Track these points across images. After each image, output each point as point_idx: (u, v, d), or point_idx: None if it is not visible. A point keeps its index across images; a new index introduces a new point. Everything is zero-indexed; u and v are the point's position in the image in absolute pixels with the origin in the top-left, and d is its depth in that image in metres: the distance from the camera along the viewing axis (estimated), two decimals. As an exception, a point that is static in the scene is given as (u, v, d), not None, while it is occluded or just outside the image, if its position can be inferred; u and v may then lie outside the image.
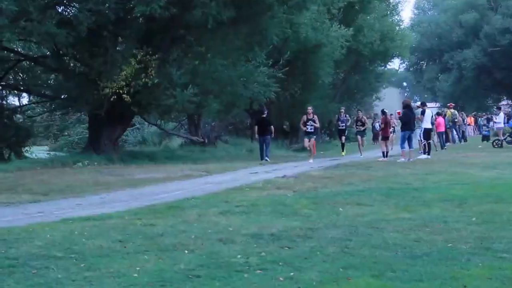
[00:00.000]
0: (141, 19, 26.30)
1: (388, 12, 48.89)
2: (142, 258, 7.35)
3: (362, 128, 29.81)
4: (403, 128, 23.23)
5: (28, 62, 29.76)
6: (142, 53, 24.47)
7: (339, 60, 38.32)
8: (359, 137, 29.82)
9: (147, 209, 11.67)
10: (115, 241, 8.36)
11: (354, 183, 15.56)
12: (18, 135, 29.00)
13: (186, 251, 7.71)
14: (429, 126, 25.52)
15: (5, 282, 6.34)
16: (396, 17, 51.29)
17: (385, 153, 25.01)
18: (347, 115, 30.78)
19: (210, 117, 37.50)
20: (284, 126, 46.02)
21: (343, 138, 30.39)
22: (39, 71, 30.65)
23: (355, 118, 31.24)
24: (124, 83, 24.13)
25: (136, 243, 8.25)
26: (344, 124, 29.64)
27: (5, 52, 27.94)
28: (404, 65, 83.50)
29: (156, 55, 24.62)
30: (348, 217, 10.23)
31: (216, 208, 11.44)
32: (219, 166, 22.58)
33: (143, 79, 24.28)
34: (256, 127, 28.27)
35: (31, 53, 30.20)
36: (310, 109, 26.02)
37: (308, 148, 26.60)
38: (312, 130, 25.91)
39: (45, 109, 34.79)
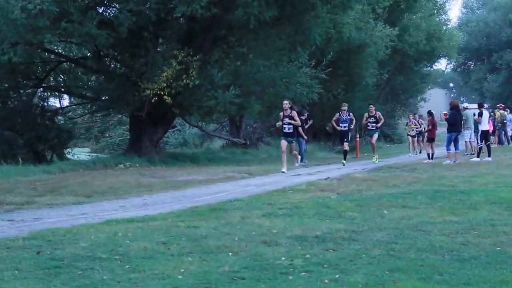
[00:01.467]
0: (182, 19, 26.59)
1: (435, 11, 48.53)
2: (186, 260, 7.46)
3: (375, 126, 25.96)
4: (449, 130, 23.05)
5: (68, 64, 30.24)
6: (183, 54, 24.69)
7: (383, 61, 38.19)
8: (369, 138, 27.08)
9: (190, 211, 11.81)
10: (159, 243, 8.49)
11: (399, 186, 15.52)
12: (60, 137, 29.53)
13: (230, 253, 7.81)
14: (486, 128, 25.28)
15: (52, 283, 6.50)
16: (443, 16, 50.96)
17: (430, 155, 24.84)
18: (350, 114, 25.04)
19: (252, 118, 37.72)
20: (327, 128, 45.93)
21: (345, 144, 24.92)
22: (79, 73, 31.15)
23: (367, 114, 26.34)
24: (165, 84, 24.38)
25: (180, 245, 8.37)
26: (346, 125, 24.67)
27: (46, 53, 28.43)
28: (451, 65, 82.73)
29: (197, 56, 24.82)
30: (393, 220, 10.24)
31: (259, 210, 11.52)
32: (261, 168, 22.67)
33: (184, 80, 24.50)
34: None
35: (71, 54, 30.70)
36: (286, 103, 20.67)
37: (292, 154, 22.02)
38: (290, 131, 20.57)
39: (86, 111, 35.25)
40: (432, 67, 55.46)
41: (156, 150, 27.38)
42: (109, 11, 26.02)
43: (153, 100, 24.63)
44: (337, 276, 6.71)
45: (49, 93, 32.57)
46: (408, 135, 31.89)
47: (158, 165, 24.50)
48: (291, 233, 9.12)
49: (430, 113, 26.47)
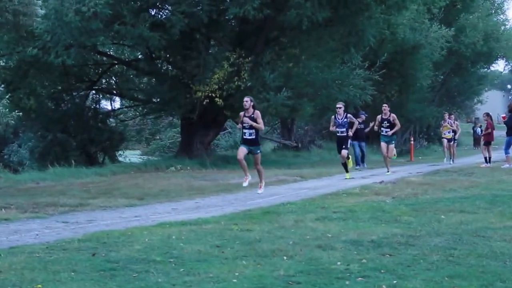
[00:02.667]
0: (234, 21, 26.71)
1: (493, 11, 47.82)
2: (241, 264, 7.47)
3: (390, 132, 21.17)
4: (508, 133, 22.67)
5: (121, 66, 30.63)
6: (235, 56, 24.81)
7: (438, 62, 37.79)
8: (383, 144, 21.29)
9: (242, 214, 11.84)
10: (213, 246, 8.53)
11: (456, 190, 15.33)
12: (112, 139, 29.94)
13: (285, 257, 7.80)
14: None
15: (107, 285, 6.57)
16: (501, 16, 50.13)
17: (487, 158, 24.45)
18: (349, 115, 20.63)
19: (304, 121, 37.65)
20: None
21: (344, 151, 19.78)
22: (131, 75, 31.52)
23: (380, 116, 21.72)
24: (216, 87, 24.55)
25: (233, 248, 8.40)
26: (344, 130, 19.94)
27: (99, 56, 28.86)
28: (509, 66, 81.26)
29: (249, 58, 24.91)
30: (451, 225, 10.11)
31: (313, 214, 11.50)
32: (313, 171, 22.63)
33: (236, 82, 24.62)
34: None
35: (123, 56, 31.09)
36: (246, 100, 15.11)
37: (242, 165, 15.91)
38: (253, 137, 15.26)
39: (138, 113, 35.65)
40: (489, 68, 54.62)
41: (207, 153, 27.54)
42: (161, 13, 26.31)
43: (204, 102, 24.81)
44: (394, 282, 6.64)
45: (101, 96, 33.03)
46: (442, 138, 28.55)
47: (209, 167, 24.65)
48: (346, 237, 9.07)
49: (487, 114, 25.94)
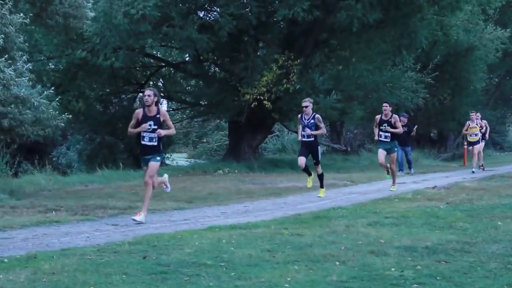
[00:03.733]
0: (282, 22, 26.71)
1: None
2: (292, 269, 7.48)
3: (389, 136, 16.95)
4: None
5: (168, 68, 30.87)
6: (283, 58, 24.83)
7: (493, 64, 37.24)
8: (380, 151, 17.18)
9: (292, 218, 11.86)
10: (264, 250, 8.56)
11: (512, 196, 15.14)
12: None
13: (337, 263, 7.79)
14: None
15: (159, 288, 6.66)
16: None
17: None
18: (317, 115, 15.49)
19: (353, 124, 37.46)
20: (432, 134, 45.21)
21: (302, 159, 15.76)
22: (179, 78, 31.74)
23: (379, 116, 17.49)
24: (265, 89, 24.58)
25: (285, 253, 8.41)
26: (310, 134, 15.40)
27: (146, 58, 29.14)
28: None
29: (298, 60, 24.91)
30: (508, 232, 9.98)
31: (365, 219, 11.45)
32: (363, 176, 22.52)
33: (285, 85, 24.63)
34: None
35: (170, 59, 31.33)
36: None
37: None
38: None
39: (185, 116, 35.86)
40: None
41: (255, 156, 27.59)
42: (209, 15, 26.44)
43: (252, 105, 24.86)
44: (451, 289, 6.60)
45: (148, 98, 33.27)
46: (468, 142, 25.01)
47: (257, 171, 24.69)
48: (400, 243, 9.02)
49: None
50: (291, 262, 7.86)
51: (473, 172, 23.38)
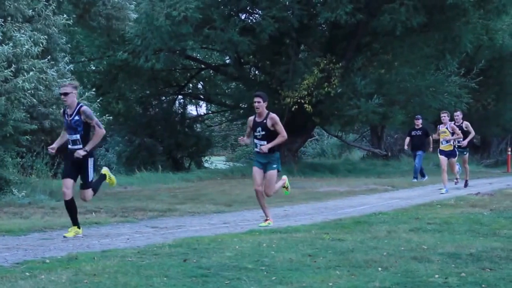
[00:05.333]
0: (325, 25, 26.69)
1: None
2: (334, 274, 7.44)
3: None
4: None
5: (208, 71, 30.99)
6: (325, 61, 24.78)
7: (539, 69, 36.75)
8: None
9: (333, 223, 11.80)
10: (305, 255, 8.53)
11: (559, 203, 14.91)
12: (199, 145, 30.28)
13: (380, 268, 7.73)
14: None
15: (200, 291, 6.68)
16: None
17: None
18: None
19: (394, 128, 37.27)
20: (475, 140, 44.71)
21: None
22: (219, 80, 31.85)
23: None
24: (306, 93, 24.56)
25: (326, 258, 8.37)
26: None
27: (187, 60, 29.30)
28: None
29: (340, 64, 24.84)
30: (553, 240, 9.84)
31: (406, 225, 11.36)
32: (404, 181, 22.38)
33: (326, 88, 24.59)
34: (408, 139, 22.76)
35: (211, 61, 31.47)
36: None
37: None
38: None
39: (224, 119, 35.98)
40: None
41: (294, 160, 27.57)
42: (251, 17, 26.50)
43: (293, 109, 24.86)
44: (496, 297, 6.52)
45: (188, 101, 33.48)
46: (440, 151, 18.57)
47: (296, 175, 24.67)
48: (443, 250, 8.93)
49: None
50: (333, 267, 7.81)
51: (440, 190, 18.06)
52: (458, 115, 19.58)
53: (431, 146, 22.51)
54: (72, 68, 16.73)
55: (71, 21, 15.74)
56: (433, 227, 11.19)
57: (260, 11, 25.09)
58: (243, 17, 25.84)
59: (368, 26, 25.07)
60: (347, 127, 30.16)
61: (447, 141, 18.09)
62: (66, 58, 16.13)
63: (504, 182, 22.16)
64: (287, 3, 24.51)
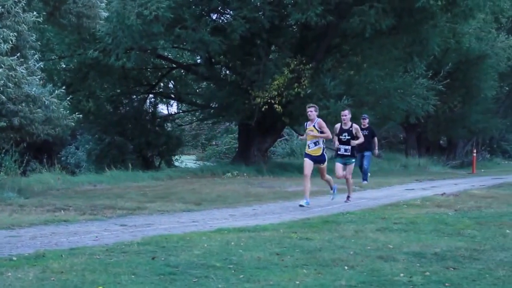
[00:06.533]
0: (295, 27, 26.73)
1: None
2: (301, 272, 7.48)
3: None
4: None
5: (179, 70, 30.91)
6: (295, 62, 24.81)
7: (504, 73, 37.16)
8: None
9: (301, 222, 11.84)
10: (272, 253, 8.55)
11: (521, 204, 15.10)
12: (169, 144, 30.21)
13: (346, 267, 7.78)
14: None
15: (167, 289, 6.66)
16: None
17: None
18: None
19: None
20: (441, 142, 45.16)
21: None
22: (190, 80, 31.77)
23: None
24: (276, 93, 24.56)
25: (293, 256, 8.40)
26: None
27: (158, 60, 29.19)
28: None
29: (310, 65, 24.88)
30: (517, 240, 9.96)
31: (373, 225, 11.45)
32: (372, 181, 22.47)
33: (296, 89, 24.61)
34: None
35: (182, 61, 31.39)
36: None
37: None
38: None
39: (195, 118, 35.92)
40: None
41: (264, 160, 27.59)
42: (222, 18, 26.46)
43: (263, 109, 24.86)
44: (460, 296, 6.58)
45: (158, 100, 33.36)
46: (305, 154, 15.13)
47: (266, 174, 24.71)
48: (408, 249, 9.01)
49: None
50: (300, 265, 7.85)
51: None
52: (346, 114, 15.75)
53: (377, 147, 22.21)
54: (42, 66, 16.54)
55: (41, 18, 15.54)
56: (399, 226, 11.29)
57: (231, 12, 25.04)
58: (214, 17, 25.76)
59: (338, 28, 25.12)
60: (317, 128, 30.16)
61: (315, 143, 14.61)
62: (36, 56, 15.94)
63: (469, 183, 22.40)
64: (258, 4, 24.49)
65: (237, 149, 30.91)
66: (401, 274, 7.42)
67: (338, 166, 15.79)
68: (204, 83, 31.37)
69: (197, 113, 33.99)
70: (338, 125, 15.79)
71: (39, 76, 15.67)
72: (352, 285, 6.93)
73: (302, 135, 15.98)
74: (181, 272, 7.32)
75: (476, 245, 9.43)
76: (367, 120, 21.89)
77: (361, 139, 15.83)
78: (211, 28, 23.30)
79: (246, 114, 25.77)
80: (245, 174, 24.16)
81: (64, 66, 27.90)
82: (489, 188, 19.97)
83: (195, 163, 37.51)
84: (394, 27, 24.47)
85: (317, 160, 14.80)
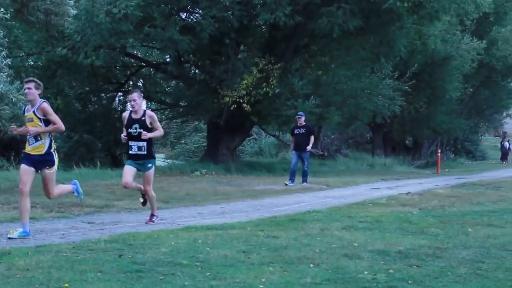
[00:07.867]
0: (264, 27, 26.76)
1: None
2: (267, 270, 7.50)
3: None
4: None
5: (148, 69, 30.78)
6: (264, 62, 24.84)
7: (468, 74, 37.54)
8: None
9: (268, 220, 11.87)
10: (239, 251, 8.57)
11: (483, 203, 15.28)
12: (138, 142, 29.93)
13: (312, 265, 7.81)
14: None
15: (134, 287, 6.62)
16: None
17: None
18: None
19: (330, 129, 37.61)
20: (407, 142, 45.50)
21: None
22: (159, 78, 31.65)
23: None
24: (244, 92, 24.56)
25: (260, 254, 8.42)
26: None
27: (127, 58, 29.03)
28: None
29: (278, 64, 24.93)
30: (478, 238, 10.07)
31: (339, 223, 11.51)
32: (339, 180, 22.64)
33: (264, 89, 24.64)
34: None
35: (151, 59, 31.26)
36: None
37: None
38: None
39: (164, 117, 35.73)
40: (520, 82, 53.99)
41: (232, 158, 27.58)
42: (192, 17, 26.40)
43: (232, 108, 24.84)
44: (422, 293, 6.64)
45: (127, 98, 33.20)
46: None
47: (234, 173, 24.70)
48: (373, 247, 9.08)
49: None
50: (266, 263, 7.87)
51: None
52: (135, 98, 11.38)
53: (311, 145, 21.26)
54: (9, 63, 16.40)
55: (9, 15, 15.41)
56: (364, 225, 11.37)
57: (200, 11, 24.97)
58: (183, 16, 25.69)
59: (306, 28, 25.21)
60: (284, 127, 30.16)
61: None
62: (3, 52, 15.81)
63: (433, 183, 22.63)
64: (228, 3, 24.47)
65: (205, 148, 30.85)
66: (366, 272, 7.48)
67: (128, 170, 11.62)
68: (173, 82, 31.28)
69: (166, 112, 33.84)
70: (126, 114, 11.77)
71: (6, 73, 15.53)
72: (317, 282, 6.97)
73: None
74: (147, 270, 7.30)
75: (439, 243, 9.53)
76: (303, 118, 21.26)
77: (159, 132, 11.43)
78: (180, 27, 23.24)
79: (215, 113, 25.74)
80: (213, 173, 24.14)
81: (32, 63, 27.63)
82: (452, 188, 20.19)
83: (164, 161, 37.36)
84: (362, 28, 24.63)
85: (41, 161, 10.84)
